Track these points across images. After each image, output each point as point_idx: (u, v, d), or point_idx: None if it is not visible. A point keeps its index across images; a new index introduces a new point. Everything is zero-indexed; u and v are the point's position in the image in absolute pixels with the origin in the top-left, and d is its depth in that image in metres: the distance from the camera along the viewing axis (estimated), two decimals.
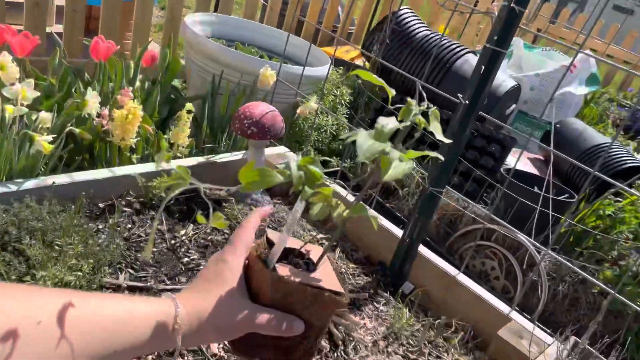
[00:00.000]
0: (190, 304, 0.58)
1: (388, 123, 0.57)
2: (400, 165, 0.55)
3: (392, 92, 0.68)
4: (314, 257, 0.68)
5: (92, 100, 1.29)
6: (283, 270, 0.62)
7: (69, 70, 1.69)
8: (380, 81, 0.67)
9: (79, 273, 0.89)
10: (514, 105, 2.78)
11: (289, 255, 0.67)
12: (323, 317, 0.64)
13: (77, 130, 1.37)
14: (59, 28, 2.83)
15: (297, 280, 0.61)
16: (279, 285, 0.60)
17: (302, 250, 0.69)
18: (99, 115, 1.45)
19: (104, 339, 0.51)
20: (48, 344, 0.47)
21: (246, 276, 0.64)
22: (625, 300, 1.18)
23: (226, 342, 0.65)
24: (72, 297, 0.51)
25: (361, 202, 0.62)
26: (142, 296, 0.57)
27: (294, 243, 0.68)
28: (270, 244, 0.65)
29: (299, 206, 0.61)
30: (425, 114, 0.63)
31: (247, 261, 0.65)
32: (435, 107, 0.64)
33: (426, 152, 0.61)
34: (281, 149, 1.75)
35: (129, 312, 0.53)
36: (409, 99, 0.64)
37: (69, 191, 1.18)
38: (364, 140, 0.54)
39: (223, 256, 0.63)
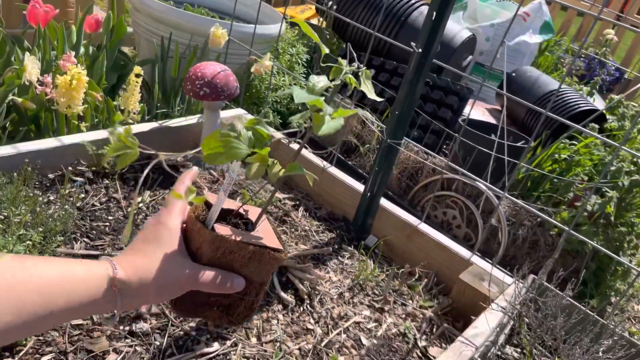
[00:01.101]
0: (128, 266, 0.57)
1: (320, 81, 0.60)
2: (332, 122, 0.58)
3: (325, 49, 0.69)
4: (252, 217, 0.68)
5: (31, 65, 1.22)
6: (222, 229, 0.62)
7: (6, 38, 1.60)
8: (314, 35, 0.65)
9: (29, 242, 0.86)
10: (470, 57, 2.78)
11: (227, 216, 0.67)
12: (263, 274, 0.65)
13: (19, 100, 1.31)
14: None
15: (237, 238, 0.61)
16: (219, 243, 0.60)
17: (240, 210, 0.68)
18: (42, 83, 1.38)
19: (40, 302, 0.49)
20: None
21: (185, 238, 0.63)
22: (580, 236, 1.22)
23: (167, 303, 0.64)
24: (6, 261, 0.49)
25: (295, 161, 0.62)
26: (79, 259, 0.55)
27: (231, 204, 0.68)
28: (208, 205, 0.65)
29: (235, 166, 0.61)
30: (356, 75, 0.65)
31: (184, 224, 0.64)
32: (365, 68, 0.66)
33: (357, 110, 0.62)
34: (238, 111, 1.71)
35: (65, 274, 0.52)
36: (339, 59, 0.65)
37: (15, 162, 1.13)
38: (299, 93, 0.58)
39: (160, 218, 0.62)
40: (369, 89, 0.63)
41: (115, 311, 0.56)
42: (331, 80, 0.62)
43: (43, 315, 0.49)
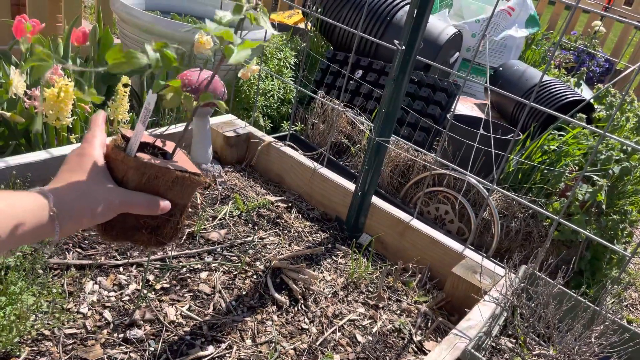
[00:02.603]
0: (61, 193, 0.60)
1: (226, 15, 0.67)
2: (241, 51, 0.65)
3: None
4: (169, 149, 0.73)
5: (17, 79, 1.23)
6: (144, 157, 0.65)
7: None
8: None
9: (19, 253, 0.86)
10: (457, 54, 2.80)
11: (144, 148, 0.70)
12: (185, 196, 0.70)
13: (8, 114, 1.31)
14: None
15: (162, 164, 0.65)
16: (145, 169, 0.64)
17: (157, 143, 0.72)
18: (30, 97, 1.39)
19: None
20: None
21: (108, 168, 0.66)
22: (571, 225, 1.23)
23: (95, 230, 0.68)
24: None
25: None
26: (15, 191, 0.58)
27: (147, 138, 0.71)
28: (126, 139, 0.68)
29: (151, 98, 0.64)
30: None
31: (106, 156, 0.67)
32: (262, 5, 0.72)
33: (262, 42, 0.68)
34: (228, 117, 1.72)
35: (9, 205, 0.55)
36: None
37: (4, 176, 1.14)
38: (210, 25, 0.65)
39: (82, 150, 0.65)
40: (266, 24, 0.70)
41: (55, 237, 0.59)
42: (234, 15, 0.69)
43: None
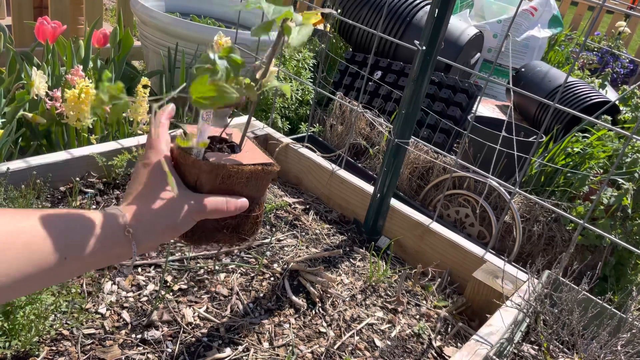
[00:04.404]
0: (135, 211, 0.58)
1: None
2: (302, 30, 0.59)
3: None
4: (236, 139, 0.71)
5: (38, 80, 1.24)
6: (214, 157, 0.63)
7: (16, 55, 1.63)
8: None
9: None
10: (478, 54, 2.77)
11: (211, 143, 0.68)
12: (261, 189, 0.69)
13: (30, 115, 1.33)
14: (10, 21, 2.72)
15: (233, 163, 0.64)
16: (218, 171, 0.62)
17: (223, 135, 0.70)
18: (51, 98, 1.40)
19: (58, 251, 0.51)
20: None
21: (178, 173, 0.64)
22: (596, 229, 1.20)
23: (178, 239, 0.67)
24: (15, 215, 0.51)
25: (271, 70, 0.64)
26: (87, 210, 0.56)
27: (212, 131, 0.69)
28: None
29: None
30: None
31: (173, 160, 0.65)
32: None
33: (320, 10, 0.63)
34: (245, 119, 1.72)
35: (82, 226, 0.53)
36: None
37: (26, 176, 1.15)
38: (268, 6, 0.58)
39: (149, 160, 0.63)
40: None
41: (133, 258, 0.57)
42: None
43: (58, 263, 0.51)
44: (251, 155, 0.67)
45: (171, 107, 0.69)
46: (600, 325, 0.95)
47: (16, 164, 1.15)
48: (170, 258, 1.10)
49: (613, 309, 1.01)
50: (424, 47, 1.20)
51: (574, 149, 1.91)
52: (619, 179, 1.81)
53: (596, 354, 0.91)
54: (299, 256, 1.22)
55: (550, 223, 1.84)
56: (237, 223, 0.68)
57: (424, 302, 1.20)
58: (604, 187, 1.48)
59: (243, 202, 0.65)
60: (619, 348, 0.90)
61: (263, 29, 0.59)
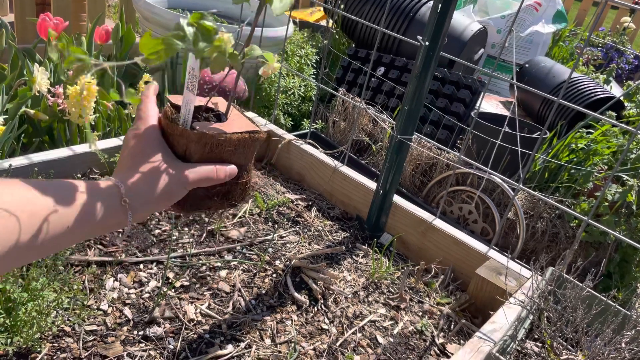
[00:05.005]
0: (130, 182, 0.59)
1: None
2: None
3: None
4: (222, 108, 0.71)
5: (40, 77, 1.24)
6: (201, 126, 0.64)
7: (18, 52, 1.62)
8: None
9: None
10: (481, 50, 2.75)
11: (197, 113, 0.68)
12: (249, 156, 0.70)
13: (32, 112, 1.32)
14: (13, 18, 2.72)
15: (220, 131, 0.64)
16: (206, 140, 0.63)
17: (209, 105, 0.71)
18: (53, 94, 1.40)
19: (61, 219, 0.52)
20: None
21: (167, 143, 0.65)
22: (600, 226, 1.19)
23: (170, 208, 0.69)
24: (20, 186, 0.52)
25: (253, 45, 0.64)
26: (87, 181, 0.57)
27: (198, 100, 0.70)
28: (176, 107, 0.66)
29: (194, 63, 0.62)
30: None
31: (161, 130, 0.66)
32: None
33: (323, 5, 0.64)
34: (249, 115, 1.72)
35: (80, 193, 0.54)
36: None
37: (28, 173, 1.15)
38: (277, 2, 0.60)
39: (139, 132, 0.64)
40: None
41: (127, 227, 0.59)
42: None
43: (61, 233, 0.52)
44: (238, 124, 0.68)
45: (155, 84, 0.71)
46: (605, 322, 0.94)
47: (18, 161, 1.15)
48: (172, 255, 1.10)
49: (617, 306, 1.00)
50: (427, 43, 1.19)
51: (578, 145, 1.90)
52: (623, 175, 1.80)
53: (600, 352, 0.90)
54: (301, 253, 1.21)
55: (554, 219, 1.83)
56: (227, 190, 0.70)
57: (427, 299, 1.20)
58: (608, 184, 1.47)
59: (232, 169, 0.67)
60: (623, 345, 0.89)
61: None
